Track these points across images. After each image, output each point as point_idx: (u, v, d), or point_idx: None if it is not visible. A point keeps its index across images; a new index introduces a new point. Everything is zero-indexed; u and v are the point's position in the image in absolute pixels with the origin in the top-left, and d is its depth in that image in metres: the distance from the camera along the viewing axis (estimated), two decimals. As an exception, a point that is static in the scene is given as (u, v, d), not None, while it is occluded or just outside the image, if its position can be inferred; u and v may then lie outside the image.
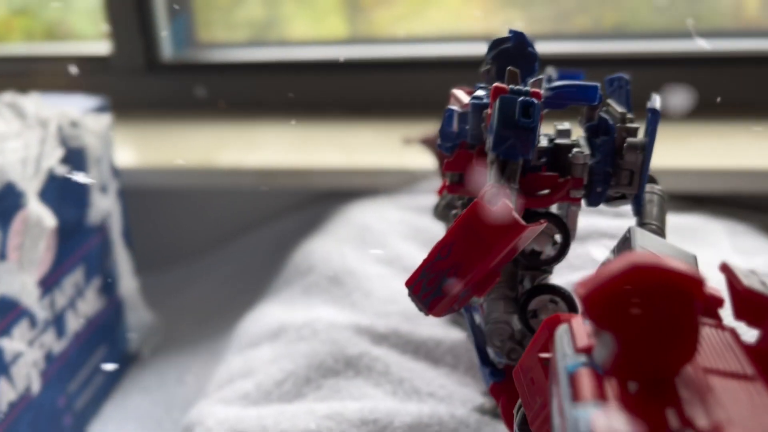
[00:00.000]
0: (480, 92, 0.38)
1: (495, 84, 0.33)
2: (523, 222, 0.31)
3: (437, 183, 0.81)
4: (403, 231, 0.74)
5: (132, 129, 0.97)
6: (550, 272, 0.38)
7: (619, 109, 0.37)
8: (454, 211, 0.42)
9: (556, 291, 0.37)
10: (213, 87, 1.01)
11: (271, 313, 0.68)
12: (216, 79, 1.02)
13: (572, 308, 0.37)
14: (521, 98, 0.32)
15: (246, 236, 0.93)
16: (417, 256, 0.70)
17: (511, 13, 1.01)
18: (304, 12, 1.07)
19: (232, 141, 0.94)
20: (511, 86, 0.33)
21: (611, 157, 0.36)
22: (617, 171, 0.36)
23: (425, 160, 0.83)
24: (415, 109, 0.97)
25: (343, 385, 0.53)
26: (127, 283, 0.79)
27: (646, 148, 0.35)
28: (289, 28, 1.08)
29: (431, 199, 0.78)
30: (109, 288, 0.76)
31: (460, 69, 0.96)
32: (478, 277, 0.32)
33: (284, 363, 0.56)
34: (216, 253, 0.94)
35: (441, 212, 0.49)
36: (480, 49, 0.96)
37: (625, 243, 0.23)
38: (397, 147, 0.87)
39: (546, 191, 0.36)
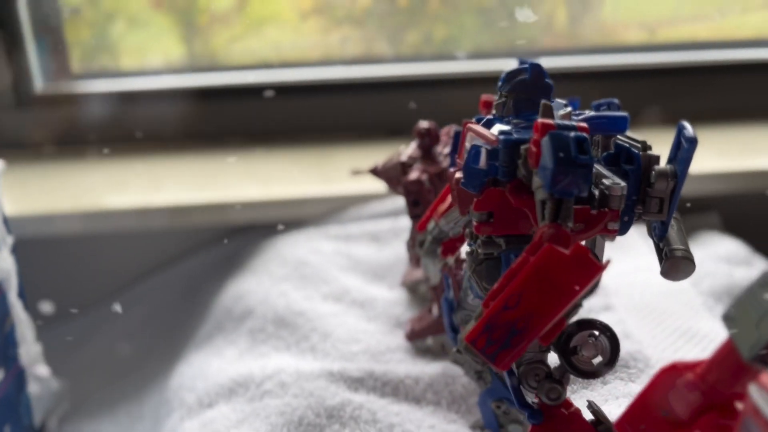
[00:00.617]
0: (503, 126, 0.36)
1: (541, 120, 0.32)
2: (599, 263, 0.30)
3: (366, 209, 0.79)
4: (342, 263, 0.71)
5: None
6: (581, 306, 0.37)
7: (638, 137, 0.37)
8: (467, 250, 0.40)
9: (595, 325, 0.36)
10: (96, 120, 0.92)
11: (212, 366, 0.63)
12: (97, 112, 0.93)
13: (613, 341, 0.36)
14: (574, 134, 0.31)
15: (153, 280, 0.85)
16: (365, 289, 0.67)
17: (346, 30, 1.01)
18: (136, 33, 1.00)
19: (127, 179, 0.86)
20: (557, 122, 0.32)
21: (638, 185, 0.36)
22: (646, 199, 0.36)
23: (348, 187, 0.81)
24: (326, 134, 0.95)
25: (332, 440, 0.49)
26: (29, 349, 0.69)
27: (679, 176, 0.35)
28: (120, 50, 1.00)
29: (362, 227, 0.76)
30: (8, 358, 0.66)
31: (360, 92, 0.95)
32: (547, 325, 0.31)
33: (256, 423, 0.51)
34: (119, 301, 0.85)
35: (429, 248, 0.47)
36: (371, 72, 0.96)
37: (763, 288, 0.23)
38: (314, 175, 0.84)
39: (580, 225, 0.35)
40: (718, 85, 0.99)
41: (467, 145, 0.38)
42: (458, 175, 0.38)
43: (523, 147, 0.34)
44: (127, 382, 0.76)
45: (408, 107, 0.92)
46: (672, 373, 0.26)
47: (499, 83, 0.38)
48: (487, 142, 0.36)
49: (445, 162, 0.55)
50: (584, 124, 0.32)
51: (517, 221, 0.36)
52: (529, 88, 0.37)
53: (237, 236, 0.83)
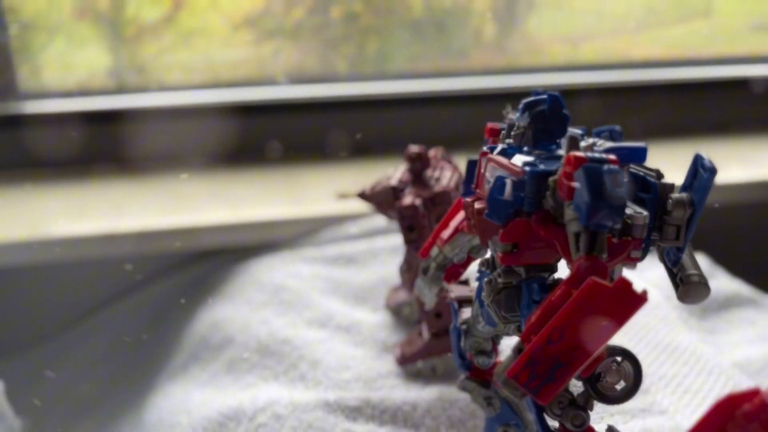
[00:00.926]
0: (525, 157, 0.37)
1: (573, 153, 0.32)
2: (643, 294, 0.30)
3: (340, 231, 0.78)
4: (322, 287, 0.70)
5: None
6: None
7: (651, 167, 0.38)
8: (487, 278, 0.40)
9: (617, 351, 0.37)
10: (48, 142, 0.88)
11: (194, 399, 0.61)
12: (45, 134, 0.89)
13: (636, 366, 0.37)
14: (607, 167, 0.32)
15: (116, 307, 0.82)
16: (348, 312, 0.66)
17: (279, 42, 1.01)
18: (58, 42, 0.97)
19: (87, 204, 0.82)
20: (589, 155, 0.33)
21: (655, 213, 0.37)
22: (663, 226, 0.37)
23: (319, 208, 0.80)
24: (291, 154, 0.93)
25: (338, 474, 0.48)
26: (-9, 388, 0.65)
27: (696, 205, 0.36)
28: (42, 60, 0.96)
29: (338, 249, 0.75)
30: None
31: (322, 111, 0.94)
32: (591, 357, 0.31)
33: (254, 460, 0.50)
34: (81, 330, 0.81)
35: (434, 275, 0.47)
36: (333, 91, 0.95)
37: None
38: (283, 196, 0.83)
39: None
40: (657, 101, 1.04)
41: (488, 175, 0.38)
42: (478, 205, 0.38)
43: (551, 179, 0.34)
44: (94, 417, 0.72)
45: (371, 127, 0.93)
46: (729, 404, 0.26)
47: (517, 114, 0.38)
48: (512, 173, 0.36)
49: (437, 186, 0.55)
50: (614, 157, 0.33)
51: (541, 251, 0.36)
52: (547, 119, 0.38)
53: (207, 261, 0.80)
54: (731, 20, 1.17)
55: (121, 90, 0.95)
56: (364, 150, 0.94)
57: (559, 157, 0.37)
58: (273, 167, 0.91)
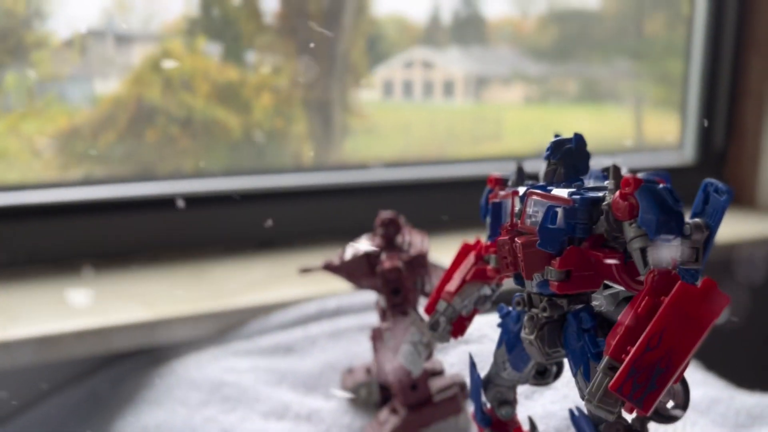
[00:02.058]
0: (564, 189, 0.38)
1: (631, 176, 0.35)
2: (727, 294, 0.32)
3: (269, 321, 0.74)
4: (266, 378, 0.65)
5: None
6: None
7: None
8: (527, 314, 0.40)
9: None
10: None
11: None
12: None
13: (684, 385, 0.38)
14: (662, 186, 0.35)
15: (11, 425, 0.69)
16: (303, 401, 0.62)
17: (88, 166, 0.97)
18: None
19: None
20: (642, 176, 0.35)
21: (675, 238, 0.40)
22: (683, 250, 0.40)
23: (235, 301, 0.76)
24: (192, 250, 0.89)
25: None
26: None
27: (712, 227, 0.39)
28: None
29: (272, 339, 0.72)
30: None
31: (223, 205, 0.91)
32: (687, 358, 0.32)
33: None
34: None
35: (444, 330, 0.46)
36: (232, 184, 0.93)
37: None
38: (195, 292, 0.78)
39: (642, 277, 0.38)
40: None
41: (529, 210, 0.39)
42: (520, 240, 0.39)
43: (604, 203, 0.36)
44: None
45: (270, 220, 0.91)
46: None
47: (547, 152, 0.41)
48: (562, 203, 0.37)
49: (412, 250, 0.55)
50: (661, 178, 0.36)
51: (590, 278, 0.38)
52: (574, 155, 0.40)
53: (119, 364, 0.72)
54: (518, 145, 1.34)
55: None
56: (270, 242, 0.91)
57: (593, 188, 0.39)
58: (176, 264, 0.85)
